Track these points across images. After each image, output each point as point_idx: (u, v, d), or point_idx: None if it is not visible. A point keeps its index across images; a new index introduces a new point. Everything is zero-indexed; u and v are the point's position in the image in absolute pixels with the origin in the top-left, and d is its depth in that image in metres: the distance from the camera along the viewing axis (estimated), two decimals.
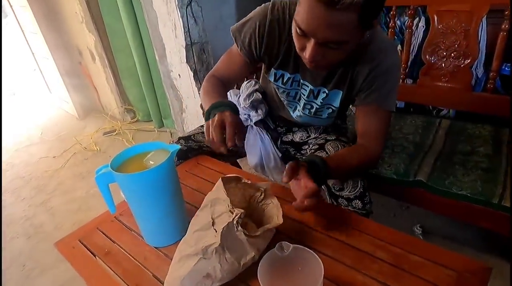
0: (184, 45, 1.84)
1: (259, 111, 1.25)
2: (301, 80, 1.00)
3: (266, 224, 0.75)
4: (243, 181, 0.73)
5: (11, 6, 2.86)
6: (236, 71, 1.08)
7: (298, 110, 1.09)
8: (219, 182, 0.67)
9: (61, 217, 1.85)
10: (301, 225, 0.83)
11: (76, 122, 3.00)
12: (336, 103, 0.99)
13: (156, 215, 0.79)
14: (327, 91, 0.97)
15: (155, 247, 0.83)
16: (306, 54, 0.77)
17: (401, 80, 1.42)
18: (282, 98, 1.12)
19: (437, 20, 1.26)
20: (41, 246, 1.67)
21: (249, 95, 1.25)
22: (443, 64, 1.29)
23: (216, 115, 0.84)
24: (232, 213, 0.62)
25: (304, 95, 1.02)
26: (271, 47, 0.97)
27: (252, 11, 0.98)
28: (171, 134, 2.56)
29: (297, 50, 0.81)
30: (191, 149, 1.20)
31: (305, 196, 0.71)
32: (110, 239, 0.88)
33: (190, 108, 2.11)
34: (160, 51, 2.03)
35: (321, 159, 0.81)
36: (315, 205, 0.72)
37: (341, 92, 0.95)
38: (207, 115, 0.89)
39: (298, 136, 1.21)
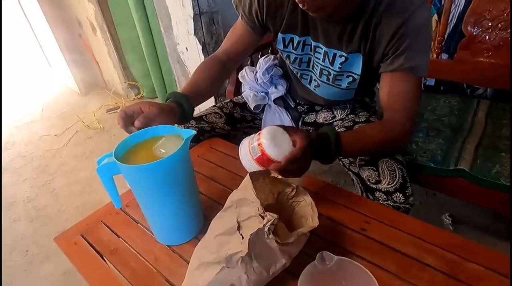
0: (192, 15, 1.68)
1: (279, 87, 1.12)
2: (313, 43, 0.89)
3: (296, 224, 0.65)
4: (272, 175, 0.62)
5: None
6: (241, 45, 1.00)
7: (315, 79, 0.97)
8: (247, 179, 0.56)
9: (64, 199, 1.77)
10: (335, 223, 0.72)
11: (78, 99, 2.87)
12: (357, 70, 0.86)
13: (168, 211, 0.69)
14: (345, 55, 0.84)
15: (167, 245, 0.73)
16: None
17: (435, 55, 1.27)
18: (295, 71, 1.00)
19: None
20: (44, 230, 1.59)
21: (268, 70, 1.12)
22: (487, 37, 1.14)
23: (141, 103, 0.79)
24: (263, 218, 0.51)
25: (319, 59, 0.90)
26: (273, 10, 0.89)
27: None
28: None
29: None
30: (203, 131, 1.09)
31: (288, 159, 0.63)
32: (116, 234, 0.79)
33: None
34: (166, 22, 1.87)
35: (334, 132, 0.73)
36: (295, 173, 0.67)
37: (361, 56, 0.83)
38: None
39: (322, 117, 1.09)
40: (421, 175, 1.00)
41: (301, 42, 0.91)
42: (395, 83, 0.81)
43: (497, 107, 1.19)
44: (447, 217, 1.31)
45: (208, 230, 0.60)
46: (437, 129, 1.11)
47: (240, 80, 1.21)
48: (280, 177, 0.62)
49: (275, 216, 0.51)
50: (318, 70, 0.93)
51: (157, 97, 2.59)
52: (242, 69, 1.22)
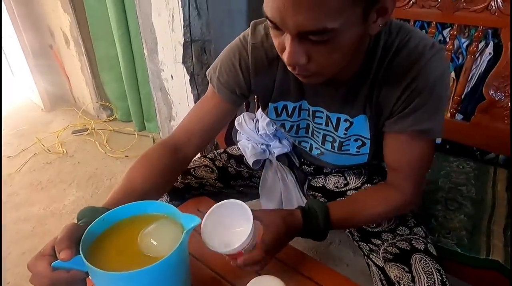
0: (182, 42, 1.51)
1: (284, 142, 0.96)
2: (311, 107, 0.75)
3: None
4: None
5: None
6: (212, 119, 0.78)
7: (316, 147, 0.82)
8: None
9: (9, 240, 1.48)
10: None
11: (41, 115, 2.57)
12: (365, 133, 0.72)
13: None
14: (350, 119, 0.71)
15: None
16: (285, 56, 0.54)
17: (449, 115, 1.17)
18: (292, 139, 0.87)
19: None
20: None
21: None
22: (510, 103, 1.05)
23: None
24: None
25: (321, 124, 0.76)
26: (262, 76, 0.73)
27: (228, 44, 0.76)
28: (153, 141, 2.22)
29: (279, 54, 0.57)
30: (190, 188, 0.91)
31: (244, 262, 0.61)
32: None
33: (181, 117, 1.77)
34: (151, 45, 1.69)
35: (322, 207, 0.69)
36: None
37: (366, 117, 0.70)
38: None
39: (332, 183, 0.93)
40: (444, 260, 0.85)
41: (297, 108, 0.77)
42: (398, 144, 0.68)
43: None
44: None
45: None
46: (457, 202, 0.99)
47: (237, 128, 1.04)
48: None
49: None
50: (320, 137, 0.79)
51: (132, 121, 2.36)
52: (240, 115, 1.05)
